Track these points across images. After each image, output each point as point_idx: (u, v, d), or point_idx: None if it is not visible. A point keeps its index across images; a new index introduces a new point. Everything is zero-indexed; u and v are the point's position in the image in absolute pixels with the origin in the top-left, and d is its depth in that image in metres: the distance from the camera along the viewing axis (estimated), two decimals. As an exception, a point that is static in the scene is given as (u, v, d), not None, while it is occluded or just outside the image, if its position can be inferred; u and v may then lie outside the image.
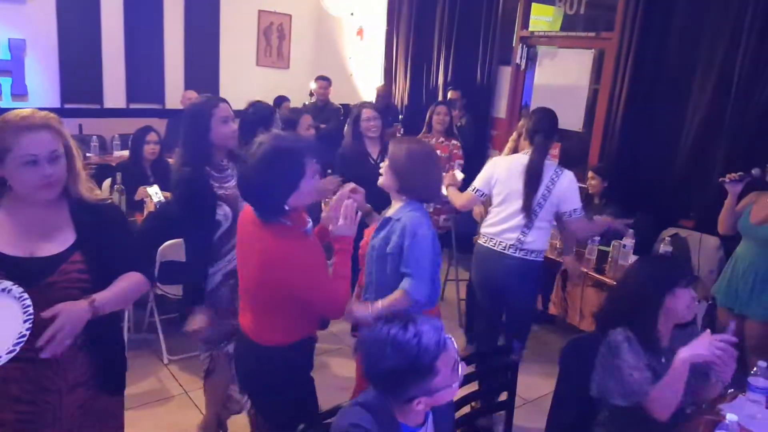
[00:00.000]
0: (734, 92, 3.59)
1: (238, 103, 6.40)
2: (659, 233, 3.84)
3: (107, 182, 4.02)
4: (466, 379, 2.08)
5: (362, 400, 1.44)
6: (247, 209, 1.84)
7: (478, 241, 2.92)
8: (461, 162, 4.12)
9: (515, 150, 3.05)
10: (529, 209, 2.70)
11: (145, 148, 3.86)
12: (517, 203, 2.74)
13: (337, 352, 3.63)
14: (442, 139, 4.26)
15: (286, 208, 1.70)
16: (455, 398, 1.96)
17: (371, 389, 1.46)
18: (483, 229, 2.90)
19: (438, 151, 4.05)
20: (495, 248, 2.80)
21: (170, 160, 4.31)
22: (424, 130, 4.39)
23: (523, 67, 5.11)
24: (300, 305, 1.76)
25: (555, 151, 4.53)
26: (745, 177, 2.83)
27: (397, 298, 1.96)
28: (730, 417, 1.62)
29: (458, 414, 2.01)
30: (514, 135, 3.24)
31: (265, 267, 1.72)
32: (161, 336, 3.40)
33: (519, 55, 5.08)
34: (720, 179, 2.88)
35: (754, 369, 1.93)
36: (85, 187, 1.58)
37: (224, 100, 2.31)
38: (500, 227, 2.78)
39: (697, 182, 3.83)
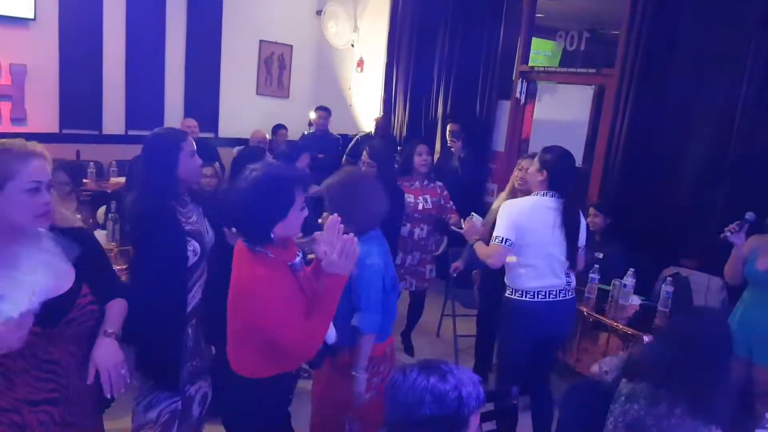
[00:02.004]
0: (736, 129, 3.57)
1: (237, 131, 6.38)
2: (660, 272, 3.79)
3: (102, 210, 3.96)
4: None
5: None
6: (241, 244, 1.80)
7: (517, 299, 2.68)
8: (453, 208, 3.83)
9: (523, 189, 2.96)
10: (574, 258, 2.66)
11: (140, 177, 3.82)
12: (555, 249, 2.62)
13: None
14: (426, 181, 3.82)
15: (272, 237, 1.67)
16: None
17: None
18: (521, 285, 2.66)
19: (426, 196, 3.74)
20: (545, 300, 2.64)
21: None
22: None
23: (522, 101, 5.12)
24: (266, 341, 1.69)
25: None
26: (743, 225, 2.78)
27: (357, 346, 2.01)
28: (740, 475, 1.54)
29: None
30: (518, 173, 3.18)
31: (235, 295, 1.71)
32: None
33: (518, 89, 5.10)
34: (721, 235, 2.80)
35: (764, 421, 1.86)
36: (60, 216, 1.58)
37: (188, 134, 2.22)
38: (545, 277, 2.63)
39: (698, 221, 3.78)
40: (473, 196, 4.96)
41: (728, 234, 2.77)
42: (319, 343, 1.71)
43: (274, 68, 6.78)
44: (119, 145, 5.69)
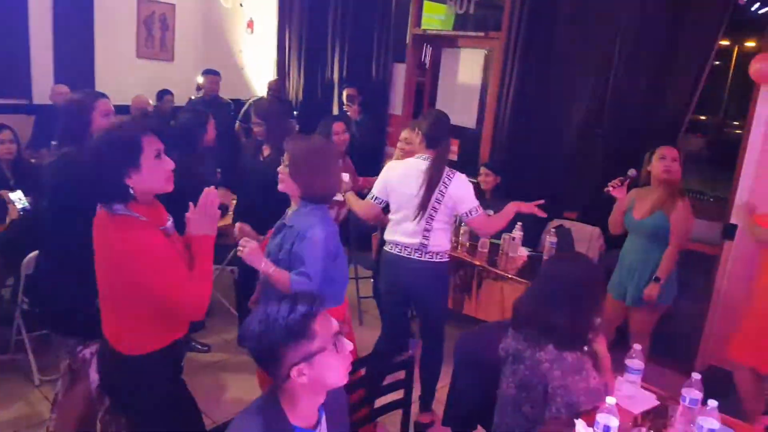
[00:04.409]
0: (610, 91, 3.84)
1: (117, 96, 5.93)
2: (546, 225, 4.05)
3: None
4: (364, 382, 2.06)
5: (252, 405, 1.38)
6: (100, 211, 1.73)
7: (384, 249, 2.89)
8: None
9: (409, 154, 2.99)
10: (424, 211, 2.68)
11: None
12: (413, 208, 2.70)
13: (233, 364, 3.47)
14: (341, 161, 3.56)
15: (132, 192, 1.61)
16: (352, 400, 1.92)
17: (263, 394, 1.41)
18: (387, 237, 2.86)
19: (346, 175, 3.40)
20: (401, 254, 2.79)
21: (34, 161, 3.89)
22: None
23: (417, 64, 5.16)
24: (157, 306, 1.67)
25: (453, 147, 4.64)
26: (625, 180, 3.04)
27: (282, 276, 2.02)
28: (609, 400, 1.71)
29: (355, 417, 1.98)
30: (407, 135, 3.20)
31: (117, 263, 1.63)
32: (31, 355, 3.07)
33: (412, 52, 5.14)
34: (605, 189, 3.05)
35: (631, 351, 2.07)
36: None
37: (105, 96, 2.32)
38: (402, 233, 2.76)
39: (578, 176, 4.07)
40: (371, 160, 4.99)
41: (611, 189, 3.03)
42: (206, 302, 1.71)
43: (155, 29, 6.31)
44: (-22, 115, 5.07)
